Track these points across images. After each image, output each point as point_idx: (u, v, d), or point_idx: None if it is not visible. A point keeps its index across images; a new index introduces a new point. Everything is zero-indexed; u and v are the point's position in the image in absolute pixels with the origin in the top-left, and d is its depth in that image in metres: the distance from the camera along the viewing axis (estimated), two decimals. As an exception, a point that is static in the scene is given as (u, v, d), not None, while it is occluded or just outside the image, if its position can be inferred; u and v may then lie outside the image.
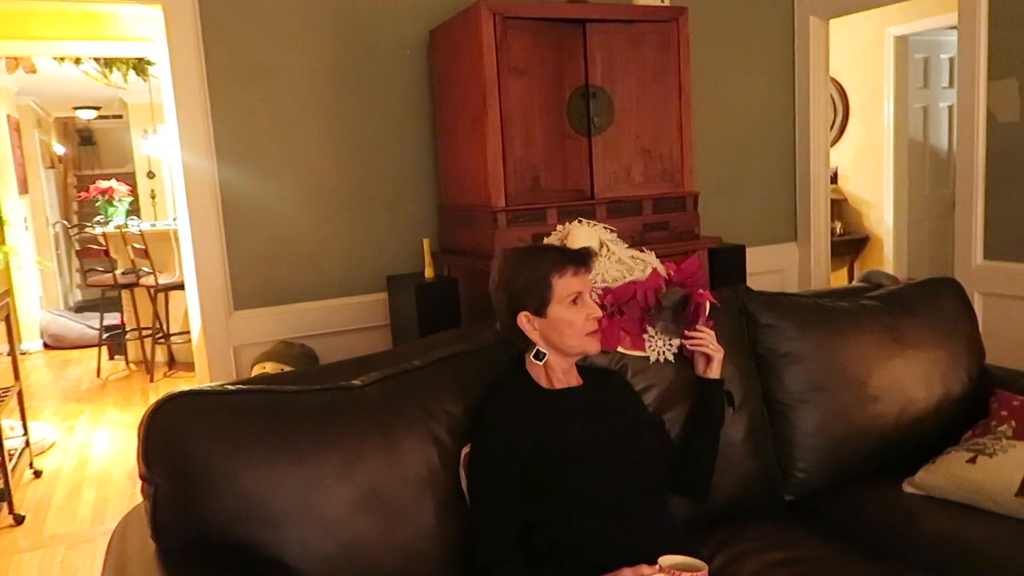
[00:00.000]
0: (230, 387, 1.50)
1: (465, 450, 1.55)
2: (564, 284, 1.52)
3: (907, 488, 1.90)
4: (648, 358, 1.81)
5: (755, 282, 3.66)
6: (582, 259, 1.56)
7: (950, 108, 5.14)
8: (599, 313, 1.57)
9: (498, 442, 1.48)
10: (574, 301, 1.53)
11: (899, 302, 2.16)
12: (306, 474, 1.40)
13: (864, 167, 5.35)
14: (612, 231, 2.03)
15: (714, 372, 1.75)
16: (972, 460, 1.81)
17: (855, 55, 5.27)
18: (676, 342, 1.81)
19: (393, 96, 3.20)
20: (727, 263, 3.27)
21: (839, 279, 5.30)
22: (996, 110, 3.20)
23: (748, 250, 3.64)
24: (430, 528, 1.49)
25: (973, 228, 3.32)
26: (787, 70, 4.05)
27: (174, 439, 1.37)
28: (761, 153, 4.03)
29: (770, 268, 4.04)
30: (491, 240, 2.80)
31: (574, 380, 1.61)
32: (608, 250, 1.91)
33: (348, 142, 3.13)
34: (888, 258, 5.23)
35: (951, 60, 5.09)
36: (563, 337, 1.54)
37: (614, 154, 3.14)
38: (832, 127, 5.43)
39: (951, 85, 5.13)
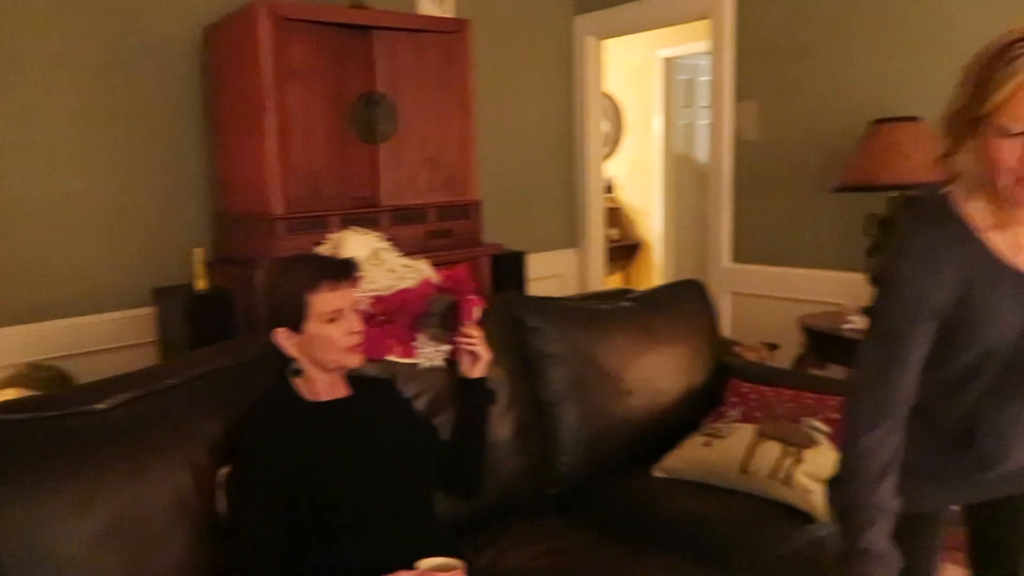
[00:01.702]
0: (-56, 419, 1.34)
1: (224, 471, 1.50)
2: (320, 301, 1.50)
3: (656, 473, 2.09)
4: (418, 364, 1.85)
5: (537, 287, 3.87)
6: (342, 273, 1.54)
7: (708, 126, 5.70)
8: (359, 328, 1.56)
9: (258, 460, 1.44)
10: (332, 318, 1.51)
11: (651, 303, 2.38)
12: (34, 512, 1.28)
13: (637, 178, 5.81)
14: (385, 239, 2.06)
15: (478, 371, 1.83)
16: (707, 443, 2.03)
17: (629, 74, 5.70)
18: (446, 347, 1.87)
19: (163, 95, 3.00)
20: (508, 269, 3.41)
21: (615, 282, 5.70)
22: (741, 128, 3.61)
23: (530, 256, 3.82)
24: (183, 557, 1.43)
25: (722, 234, 3.72)
26: (566, 85, 4.30)
27: None
28: (542, 163, 4.24)
29: (551, 273, 4.26)
30: (269, 249, 2.71)
31: (341, 391, 1.61)
32: (380, 258, 1.94)
33: (110, 142, 2.89)
34: (657, 263, 5.71)
35: (709, 82, 5.64)
36: (321, 353, 1.53)
37: (399, 162, 3.17)
38: (608, 140, 5.83)
39: (709, 105, 5.69)
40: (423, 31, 3.17)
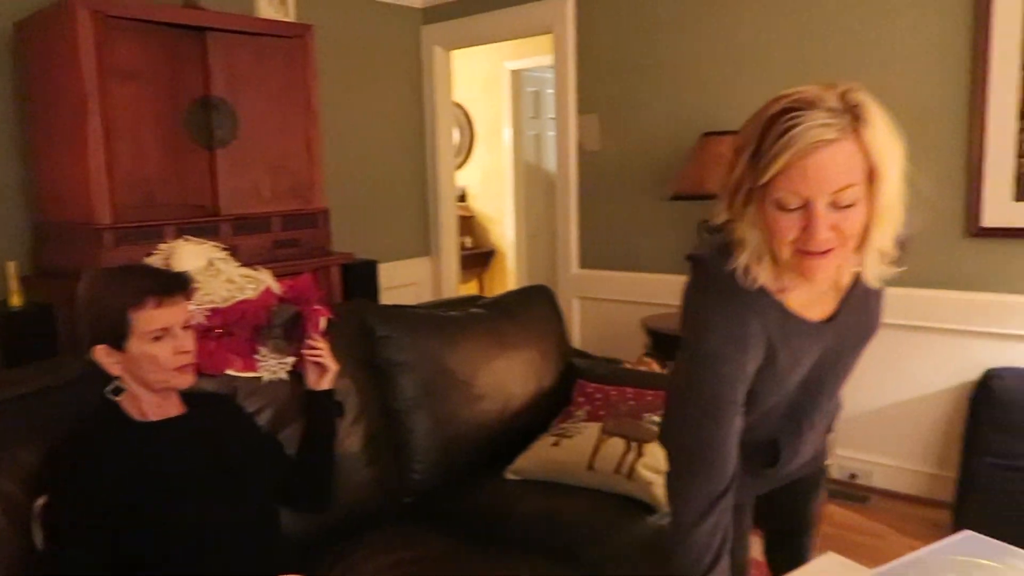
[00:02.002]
0: None
1: (40, 501, 1.38)
2: (145, 318, 1.40)
3: (509, 475, 2.12)
4: (261, 378, 1.78)
5: (392, 296, 3.84)
6: (170, 287, 1.44)
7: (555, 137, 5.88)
8: (190, 347, 1.47)
9: (78, 488, 1.33)
10: (158, 336, 1.42)
11: (501, 309, 2.42)
12: None
13: (489, 187, 5.90)
14: (224, 249, 1.97)
15: (326, 384, 1.79)
16: (556, 443, 2.09)
17: (479, 85, 5.78)
18: (290, 359, 1.82)
19: (-34, 94, 2.73)
20: (360, 279, 3.36)
21: (470, 289, 5.75)
22: (584, 140, 3.75)
23: (383, 265, 3.79)
24: (-9, 596, 1.30)
25: (570, 241, 3.85)
26: (416, 95, 4.30)
27: None
28: (394, 172, 4.22)
29: (406, 282, 4.24)
30: (96, 261, 2.53)
31: (174, 409, 1.52)
32: (217, 269, 1.85)
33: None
34: (511, 269, 5.82)
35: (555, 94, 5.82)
36: (147, 374, 1.43)
37: (240, 169, 3.05)
38: (460, 149, 5.88)
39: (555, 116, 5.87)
40: (263, 35, 3.07)
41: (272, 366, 1.79)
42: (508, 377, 2.27)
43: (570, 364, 2.50)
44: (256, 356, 1.78)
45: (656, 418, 2.08)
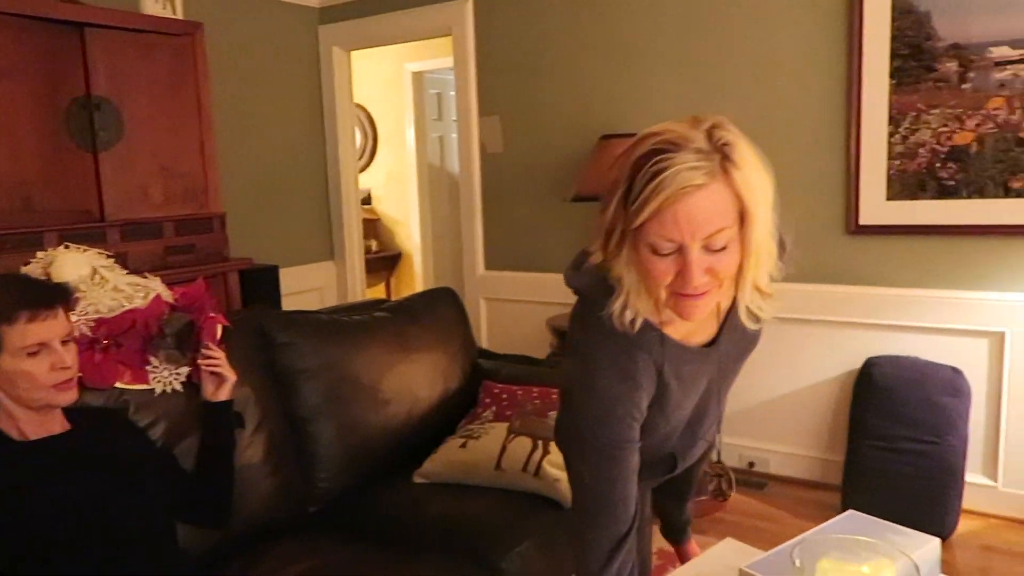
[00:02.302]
0: None
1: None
2: (18, 334, 1.32)
3: (417, 479, 2.11)
4: (153, 390, 1.70)
5: (294, 302, 3.74)
6: (46, 299, 1.36)
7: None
8: (70, 363, 1.39)
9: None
10: (34, 351, 1.33)
11: (405, 312, 2.40)
12: None
13: (394, 189, 5.84)
14: (109, 256, 1.87)
15: (223, 395, 1.73)
16: (464, 445, 2.09)
17: (380, 86, 5.72)
18: (184, 370, 1.74)
19: None
20: (260, 285, 3.26)
21: (378, 293, 5.68)
22: (485, 141, 3.77)
23: (285, 270, 3.69)
24: None
25: (475, 243, 3.86)
26: (315, 96, 4.21)
27: None
28: (294, 174, 4.11)
29: (310, 287, 4.15)
30: (-35, 271, 2.35)
31: (57, 427, 1.44)
32: (102, 278, 1.76)
33: None
34: (418, 272, 5.78)
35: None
36: (22, 391, 1.35)
37: (127, 172, 2.91)
38: (363, 151, 5.80)
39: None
40: (148, 32, 2.94)
41: (165, 377, 1.71)
42: (414, 380, 2.26)
43: (476, 365, 2.51)
44: (147, 367, 1.70)
45: (561, 416, 2.11)
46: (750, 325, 1.18)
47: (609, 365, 1.12)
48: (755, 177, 1.01)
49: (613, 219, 1.04)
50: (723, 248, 1.01)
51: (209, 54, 3.20)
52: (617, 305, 1.09)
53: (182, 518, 1.64)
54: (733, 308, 1.21)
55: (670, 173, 0.95)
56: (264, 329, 2.05)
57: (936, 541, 1.16)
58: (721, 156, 0.98)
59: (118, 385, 1.66)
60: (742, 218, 1.01)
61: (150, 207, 2.96)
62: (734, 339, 1.27)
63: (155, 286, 1.81)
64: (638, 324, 1.10)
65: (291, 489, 1.96)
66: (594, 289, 1.13)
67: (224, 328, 1.82)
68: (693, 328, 1.20)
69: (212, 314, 1.79)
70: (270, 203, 3.97)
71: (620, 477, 1.16)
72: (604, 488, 1.16)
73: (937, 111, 2.64)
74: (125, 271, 1.84)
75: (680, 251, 1.00)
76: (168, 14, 3.28)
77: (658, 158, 0.96)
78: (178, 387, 1.73)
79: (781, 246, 1.18)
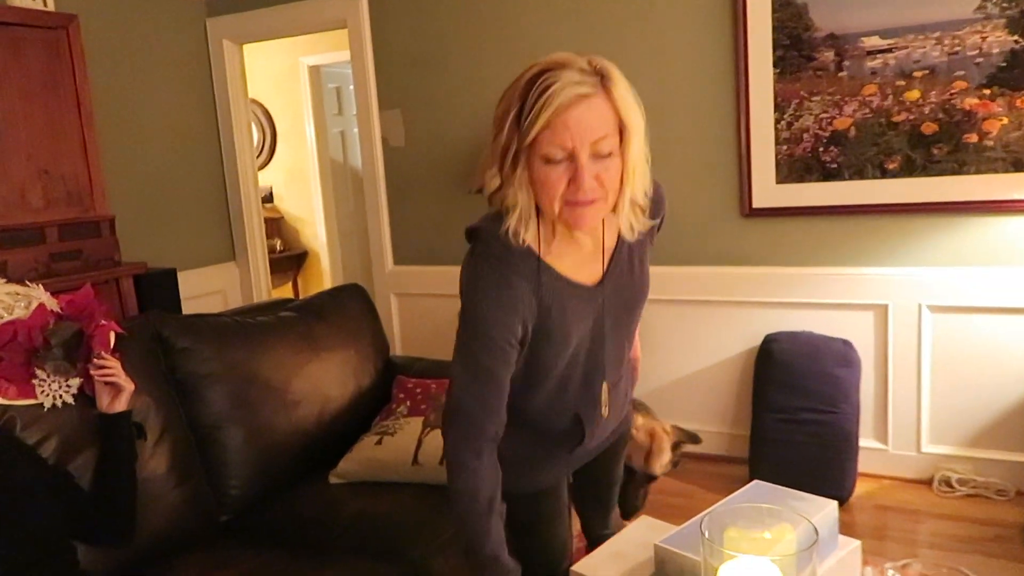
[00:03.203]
0: None
1: None
2: None
3: (332, 480, 2.07)
4: (42, 405, 1.60)
5: (196, 305, 3.60)
6: None
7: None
8: None
9: None
10: None
11: (312, 310, 2.34)
12: None
13: (295, 186, 5.69)
14: (-15, 266, 1.74)
15: (120, 405, 1.64)
16: (379, 442, 2.07)
17: (275, 81, 5.55)
18: (75, 381, 1.65)
19: None
20: (157, 289, 3.12)
21: (285, 293, 5.53)
22: (387, 135, 3.71)
23: (185, 274, 3.54)
24: None
25: (383, 238, 3.81)
26: (207, 91, 4.04)
27: None
28: (188, 174, 3.94)
29: (211, 290, 4.00)
30: None
31: (-69, 449, 1.33)
32: (-22, 288, 1.64)
33: None
34: (326, 270, 5.66)
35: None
36: None
37: (3, 176, 2.72)
38: (262, 149, 5.62)
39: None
40: (16, 25, 2.75)
41: (54, 390, 1.61)
42: (324, 380, 2.21)
43: (389, 361, 2.48)
44: (34, 381, 1.60)
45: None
46: (629, 237, 1.28)
47: (489, 290, 1.19)
48: (631, 97, 1.14)
49: (508, 139, 1.13)
50: (608, 155, 1.12)
51: (88, 49, 3.02)
52: (511, 221, 1.17)
53: (82, 539, 1.56)
54: (618, 248, 1.29)
55: (559, 85, 1.07)
56: (162, 335, 1.96)
57: (834, 504, 1.22)
58: (601, 76, 1.11)
59: (2, 401, 1.55)
60: (621, 134, 1.13)
61: (29, 212, 2.78)
62: (622, 281, 1.32)
63: (38, 295, 1.70)
64: (524, 244, 1.19)
65: (199, 499, 1.89)
66: (488, 221, 1.22)
67: (118, 336, 1.73)
68: (579, 264, 1.26)
69: (103, 321, 1.70)
70: (165, 204, 3.80)
71: (488, 404, 1.22)
72: (469, 412, 1.21)
73: (818, 98, 2.78)
74: (3, 280, 1.72)
75: (571, 158, 1.11)
76: (39, 6, 3.07)
77: (546, 75, 1.09)
78: (69, 400, 1.63)
79: (652, 201, 1.27)
